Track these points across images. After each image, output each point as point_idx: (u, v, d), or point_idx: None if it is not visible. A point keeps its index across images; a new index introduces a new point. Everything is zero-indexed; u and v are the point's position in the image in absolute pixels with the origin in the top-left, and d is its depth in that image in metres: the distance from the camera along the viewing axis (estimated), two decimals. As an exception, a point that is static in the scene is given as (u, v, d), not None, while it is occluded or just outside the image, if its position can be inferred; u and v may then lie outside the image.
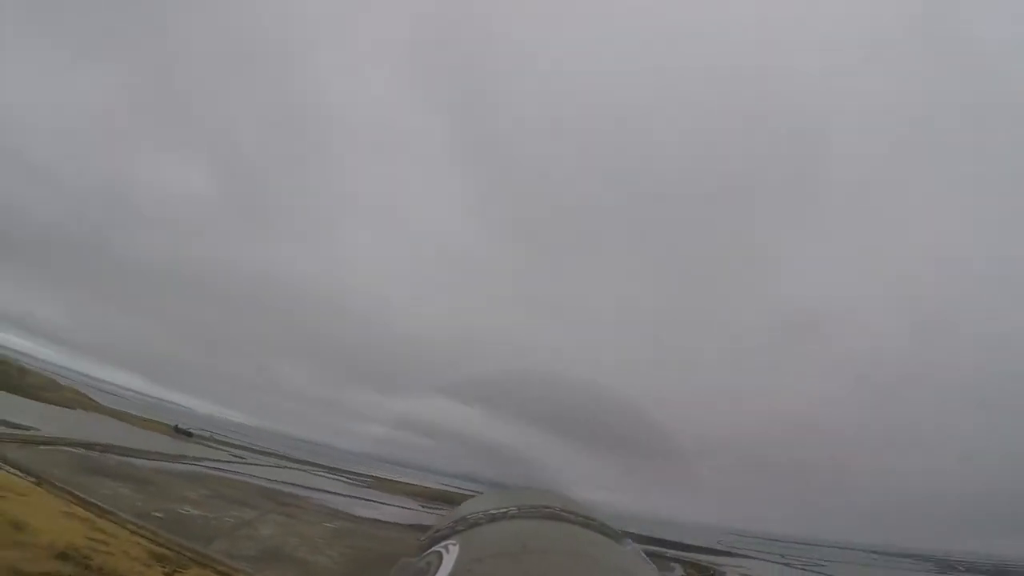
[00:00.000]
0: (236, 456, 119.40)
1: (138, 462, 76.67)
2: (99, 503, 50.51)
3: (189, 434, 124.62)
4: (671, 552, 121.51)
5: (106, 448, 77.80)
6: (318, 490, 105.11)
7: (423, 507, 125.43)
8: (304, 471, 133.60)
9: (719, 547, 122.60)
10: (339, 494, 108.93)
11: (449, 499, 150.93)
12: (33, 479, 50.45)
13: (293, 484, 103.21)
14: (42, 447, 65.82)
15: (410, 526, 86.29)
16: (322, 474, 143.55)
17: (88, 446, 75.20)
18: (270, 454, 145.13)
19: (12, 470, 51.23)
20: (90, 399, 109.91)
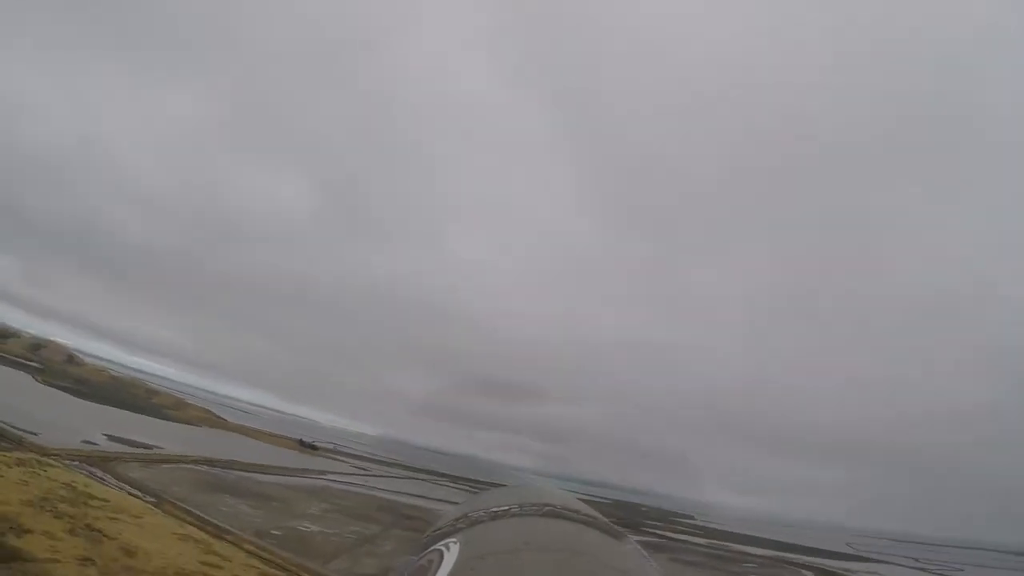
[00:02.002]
0: (359, 468, 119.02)
1: (261, 477, 75.91)
2: (217, 522, 48.78)
3: (314, 447, 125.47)
4: (801, 558, 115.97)
5: (228, 464, 77.54)
6: (442, 501, 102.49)
7: None
8: (427, 481, 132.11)
9: (849, 551, 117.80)
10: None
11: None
12: (152, 499, 49.38)
13: (416, 496, 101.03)
14: (164, 466, 65.59)
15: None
16: (445, 484, 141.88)
17: (210, 463, 75.02)
18: (392, 464, 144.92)
19: (132, 490, 50.39)
20: (217, 416, 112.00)
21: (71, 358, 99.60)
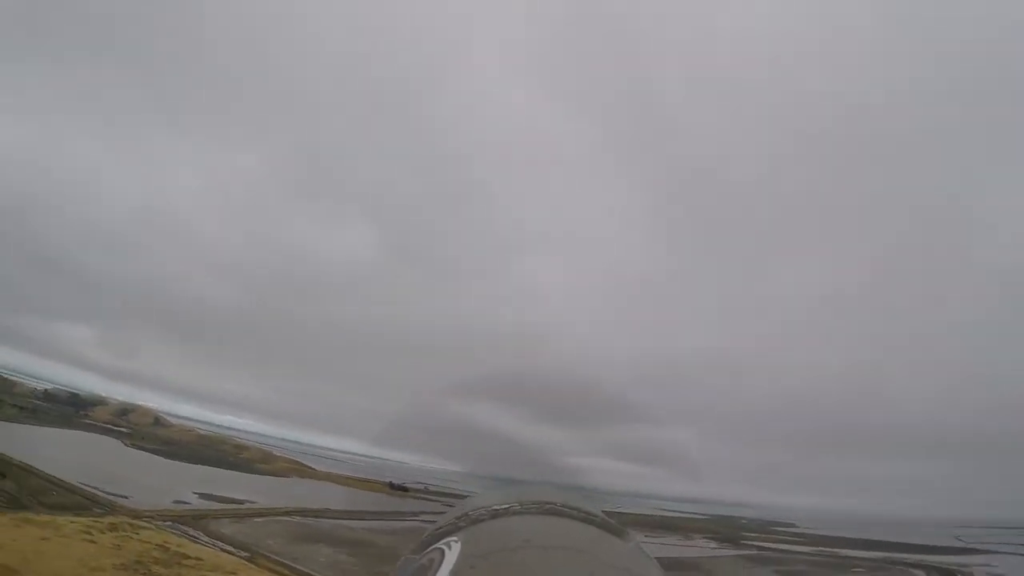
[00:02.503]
0: (452, 506, 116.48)
1: (354, 524, 74.72)
2: (314, 573, 47.27)
3: (404, 489, 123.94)
4: (910, 557, 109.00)
5: (320, 513, 76.49)
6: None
7: (647, 537, 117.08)
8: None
9: (958, 544, 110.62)
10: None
11: (672, 526, 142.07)
12: (246, 554, 48.16)
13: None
14: (257, 519, 64.73)
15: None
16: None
17: (303, 513, 74.00)
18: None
19: (226, 546, 49.29)
20: (304, 466, 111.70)
21: (158, 420, 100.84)
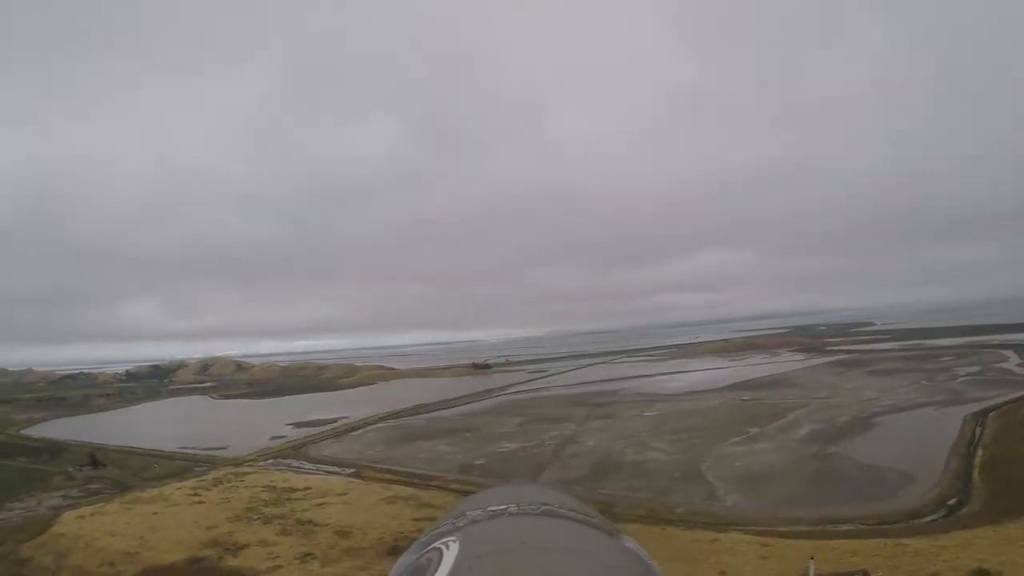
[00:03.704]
0: (537, 371, 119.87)
1: (447, 413, 76.87)
2: (420, 471, 48.52)
3: (487, 366, 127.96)
4: (993, 338, 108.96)
5: (413, 411, 78.73)
6: (625, 378, 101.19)
7: (731, 362, 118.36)
8: (603, 363, 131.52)
9: None
10: (646, 376, 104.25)
11: (756, 346, 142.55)
12: (351, 470, 49.57)
13: (599, 380, 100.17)
14: (354, 433, 66.75)
15: (727, 388, 78.72)
16: (621, 360, 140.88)
17: (396, 415, 76.16)
18: (565, 358, 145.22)
19: (330, 468, 50.82)
20: (388, 369, 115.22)
21: (239, 366, 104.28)
